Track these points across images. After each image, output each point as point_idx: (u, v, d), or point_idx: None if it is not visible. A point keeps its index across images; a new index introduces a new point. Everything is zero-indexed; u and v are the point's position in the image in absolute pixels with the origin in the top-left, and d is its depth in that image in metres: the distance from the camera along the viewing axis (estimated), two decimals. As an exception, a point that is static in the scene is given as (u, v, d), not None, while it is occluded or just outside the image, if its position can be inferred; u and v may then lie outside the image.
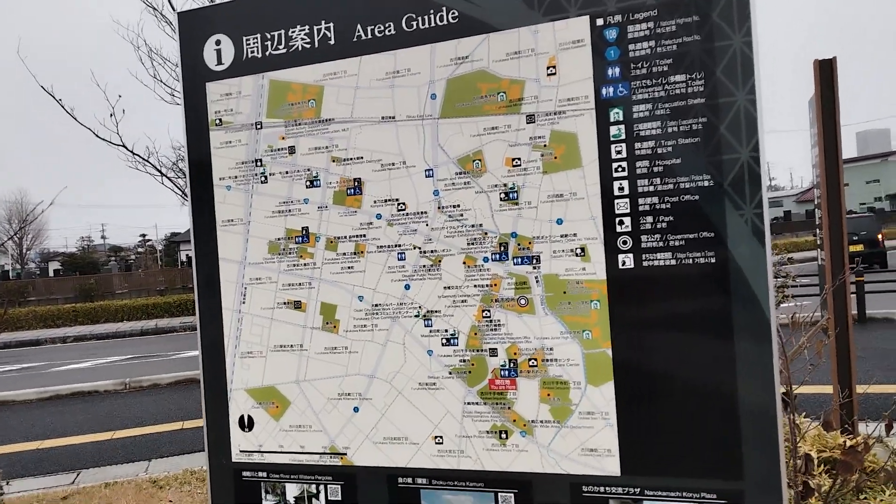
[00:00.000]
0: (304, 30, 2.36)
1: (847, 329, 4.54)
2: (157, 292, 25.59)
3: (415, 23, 2.20)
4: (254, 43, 2.43)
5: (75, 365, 13.52)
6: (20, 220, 43.06)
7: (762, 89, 1.83)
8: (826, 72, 4.49)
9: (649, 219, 1.97)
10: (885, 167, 57.66)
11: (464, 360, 2.21)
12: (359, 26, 2.28)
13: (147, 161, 5.88)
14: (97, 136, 5.63)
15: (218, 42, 2.48)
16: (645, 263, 1.98)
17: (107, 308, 21.55)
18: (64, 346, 17.75)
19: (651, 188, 1.96)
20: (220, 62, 2.49)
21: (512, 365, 2.15)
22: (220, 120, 2.49)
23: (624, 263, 2.01)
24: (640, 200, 1.98)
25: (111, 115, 5.51)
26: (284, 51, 2.39)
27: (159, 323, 19.76)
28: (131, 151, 5.71)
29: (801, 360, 3.95)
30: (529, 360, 2.13)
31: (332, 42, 2.32)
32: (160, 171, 5.95)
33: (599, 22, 1.99)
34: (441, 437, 2.24)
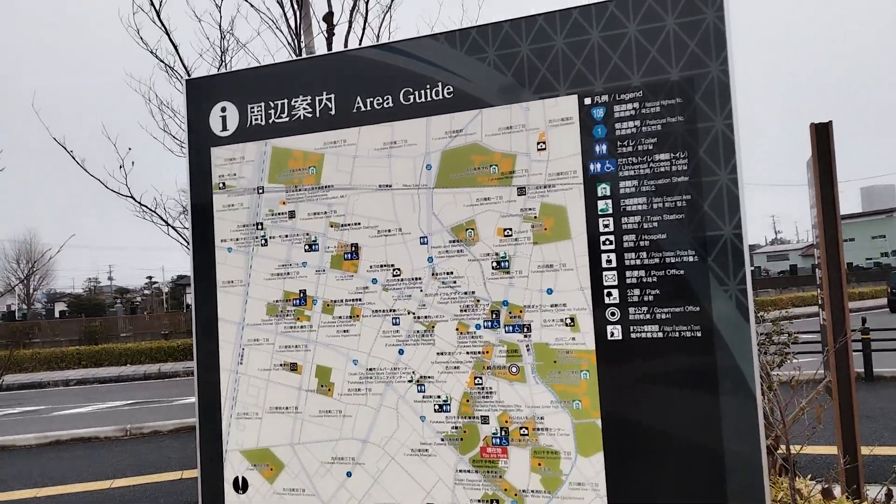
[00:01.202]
0: (306, 100, 2.45)
1: (850, 391, 4.51)
2: (161, 336, 25.58)
3: (412, 96, 2.29)
4: (258, 111, 2.52)
5: (77, 409, 13.46)
6: (28, 260, 43.42)
7: (744, 169, 1.89)
8: (822, 135, 4.56)
9: (637, 291, 2.01)
10: (891, 222, 57.61)
11: (456, 427, 2.23)
12: (359, 98, 2.37)
13: (154, 212, 5.99)
14: (106, 187, 5.76)
15: (224, 109, 2.58)
16: (633, 335, 2.01)
17: (110, 351, 21.52)
18: (67, 390, 17.68)
19: (638, 261, 2.01)
20: (225, 128, 2.58)
21: (503, 433, 2.17)
22: (224, 184, 2.57)
23: (612, 334, 2.04)
24: (628, 273, 2.02)
25: (120, 166, 5.65)
26: (287, 119, 2.48)
27: (162, 367, 19.70)
28: (139, 202, 5.83)
29: (804, 421, 3.92)
30: (521, 428, 2.15)
31: (333, 112, 2.41)
32: (166, 222, 6.06)
33: (587, 101, 2.07)
34: (432, 504, 2.24)
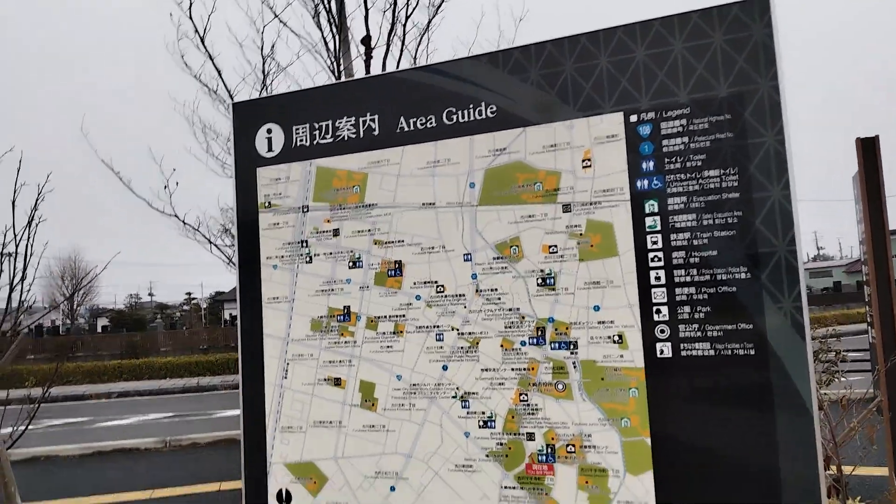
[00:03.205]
0: (350, 121, 2.49)
1: (901, 411, 4.36)
2: (200, 350, 25.98)
3: (455, 116, 2.31)
4: (303, 132, 2.57)
5: (118, 421, 13.72)
6: (73, 276, 44.54)
7: (797, 185, 1.86)
8: (869, 150, 4.47)
9: (687, 308, 1.99)
10: (942, 237, 55.69)
11: (501, 444, 2.22)
12: (402, 118, 2.40)
13: (197, 230, 6.12)
14: (151, 206, 5.91)
15: (269, 130, 2.63)
16: (683, 353, 1.99)
17: (151, 365, 21.92)
18: (108, 402, 18.04)
19: (688, 278, 1.98)
20: (270, 149, 2.63)
21: (549, 450, 2.15)
22: (269, 203, 2.62)
23: (662, 352, 2.02)
24: (677, 290, 2.00)
25: (165, 187, 5.79)
26: (331, 140, 2.52)
27: (201, 381, 19.99)
28: (183, 221, 5.97)
29: (855, 441, 3.81)
30: (567, 445, 2.13)
31: (377, 133, 2.44)
32: (209, 240, 6.18)
33: (633, 118, 2.07)
34: (477, 522, 2.23)
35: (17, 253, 4.75)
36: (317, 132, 2.54)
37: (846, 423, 3.87)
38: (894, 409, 4.36)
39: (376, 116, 2.44)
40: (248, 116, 2.67)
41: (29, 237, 4.77)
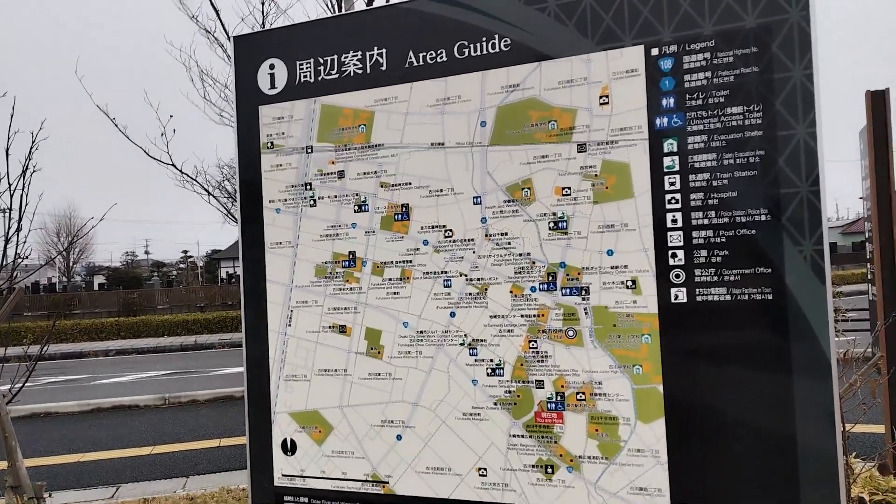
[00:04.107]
0: (356, 55, 2.39)
1: (902, 367, 4.36)
2: (197, 308, 26.01)
3: (466, 50, 2.21)
4: (307, 68, 2.47)
5: (117, 378, 13.78)
6: (68, 233, 44.35)
7: (823, 122, 1.78)
8: (879, 103, 4.38)
9: (703, 252, 1.92)
10: (939, 197, 55.70)
11: (509, 392, 2.18)
12: (411, 53, 2.30)
13: (195, 180, 6.02)
14: (148, 154, 5.79)
15: (272, 66, 2.53)
16: (698, 298, 1.93)
17: (148, 323, 21.98)
18: (107, 360, 18.11)
19: (706, 221, 1.92)
20: (273, 86, 2.53)
21: (559, 398, 2.11)
22: (272, 143, 2.53)
23: (676, 297, 1.96)
24: (694, 233, 1.93)
25: (162, 134, 5.66)
26: (337, 76, 2.42)
27: (198, 339, 20.06)
28: (180, 170, 5.86)
29: (853, 398, 3.81)
30: (577, 393, 2.09)
31: (384, 68, 2.34)
32: (207, 191, 6.08)
33: (654, 52, 1.97)
34: (485, 469, 2.20)
35: (11, 205, 4.66)
36: (322, 67, 2.44)
37: (845, 380, 3.85)
38: (893, 366, 4.36)
39: (384, 50, 2.34)
40: (249, 51, 2.56)
41: (23, 187, 4.68)
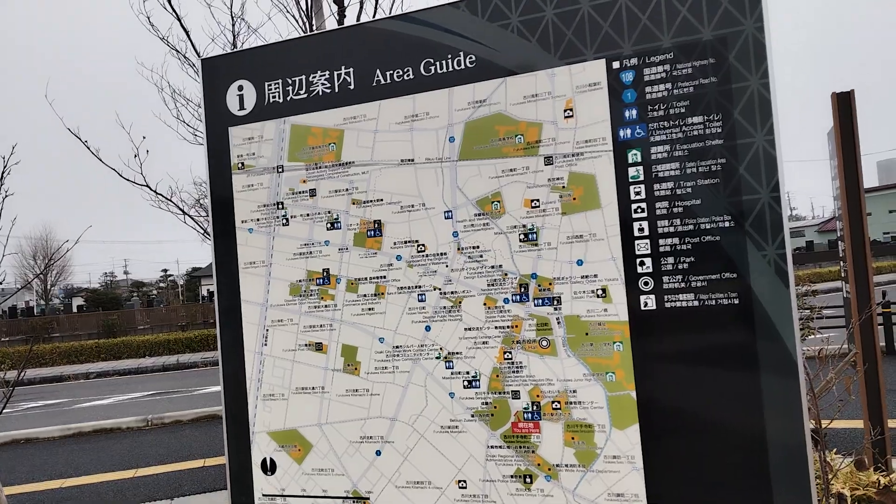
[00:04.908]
0: (324, 75, 2.41)
1: (876, 364, 4.44)
2: (178, 327, 25.75)
3: (433, 67, 2.24)
4: (275, 88, 2.48)
5: (98, 401, 13.59)
6: (45, 256, 43.75)
7: (781, 129, 1.83)
8: (844, 104, 4.47)
9: (670, 259, 1.96)
10: (909, 196, 56.63)
11: (486, 403, 2.19)
12: (378, 71, 2.32)
13: (170, 200, 5.98)
14: (122, 176, 5.75)
15: (241, 87, 2.54)
16: (667, 304, 1.97)
17: (129, 344, 21.70)
18: (87, 383, 17.86)
19: (671, 229, 1.95)
20: (242, 107, 2.54)
21: (535, 408, 2.13)
22: (243, 163, 2.54)
23: (646, 304, 1.99)
24: (661, 241, 1.97)
25: (135, 155, 5.64)
26: (305, 95, 2.43)
27: (181, 358, 19.85)
28: (154, 191, 5.82)
29: (831, 395, 3.87)
30: (552, 402, 2.11)
31: (352, 87, 2.37)
32: (182, 210, 6.05)
33: (616, 65, 2.01)
34: (465, 481, 2.21)
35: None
36: (290, 88, 2.45)
37: (822, 377, 3.91)
38: (868, 362, 4.44)
39: (351, 69, 2.36)
40: (218, 73, 2.57)
41: (-5, 213, 4.62)
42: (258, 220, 2.51)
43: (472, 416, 2.21)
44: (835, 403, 3.67)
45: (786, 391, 1.86)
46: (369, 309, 2.35)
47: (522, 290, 2.14)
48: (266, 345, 2.50)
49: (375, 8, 5.92)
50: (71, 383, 18.06)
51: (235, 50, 2.90)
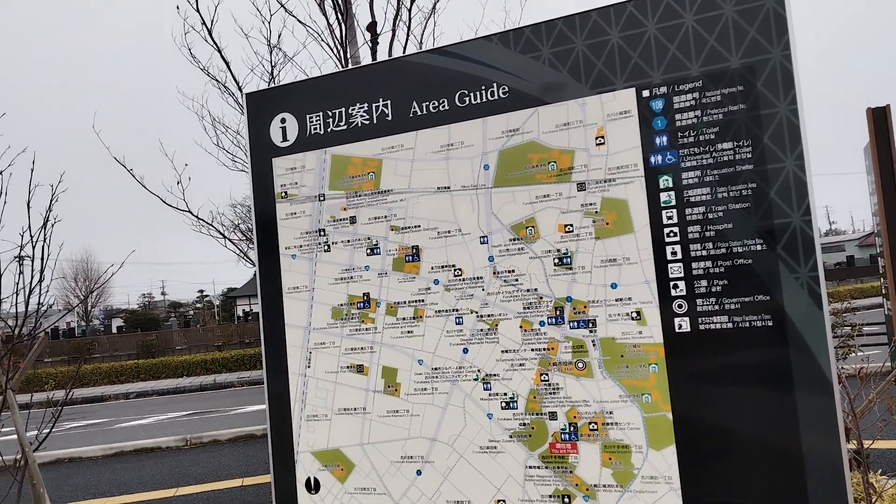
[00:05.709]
0: (363, 107, 2.51)
1: (920, 381, 4.36)
2: (215, 347, 26.14)
3: (467, 98, 2.33)
4: (316, 120, 2.59)
5: (138, 421, 13.87)
6: (86, 278, 44.87)
7: (810, 154, 1.87)
8: (880, 119, 4.45)
9: (703, 283, 2.00)
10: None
11: (524, 424, 2.24)
12: (414, 103, 2.41)
13: (211, 225, 6.17)
14: (165, 202, 5.96)
15: (283, 120, 2.65)
16: (701, 327, 2.00)
17: (167, 364, 22.12)
18: (127, 402, 18.23)
19: (704, 252, 1.99)
20: (285, 139, 2.65)
21: (572, 428, 2.18)
22: (286, 193, 2.64)
23: (680, 327, 2.03)
24: (694, 265, 2.01)
25: (178, 182, 5.83)
26: (345, 127, 2.54)
27: (217, 378, 20.14)
28: (196, 216, 6.01)
29: (873, 415, 3.82)
30: (589, 423, 2.15)
31: (390, 118, 2.46)
32: (223, 234, 6.23)
33: (645, 93, 2.07)
34: (504, 500, 2.26)
35: (34, 255, 4.81)
36: (330, 120, 2.56)
37: (864, 397, 3.86)
38: (912, 380, 4.36)
39: (389, 102, 2.46)
40: (261, 107, 2.69)
41: (45, 239, 4.83)
42: (301, 246, 2.61)
43: (511, 436, 2.26)
44: (877, 423, 3.63)
45: (822, 412, 1.88)
46: (408, 332, 2.42)
47: (558, 312, 2.20)
48: (309, 367, 2.59)
49: (407, 37, 6.07)
50: (111, 403, 18.45)
51: (278, 84, 3.03)
